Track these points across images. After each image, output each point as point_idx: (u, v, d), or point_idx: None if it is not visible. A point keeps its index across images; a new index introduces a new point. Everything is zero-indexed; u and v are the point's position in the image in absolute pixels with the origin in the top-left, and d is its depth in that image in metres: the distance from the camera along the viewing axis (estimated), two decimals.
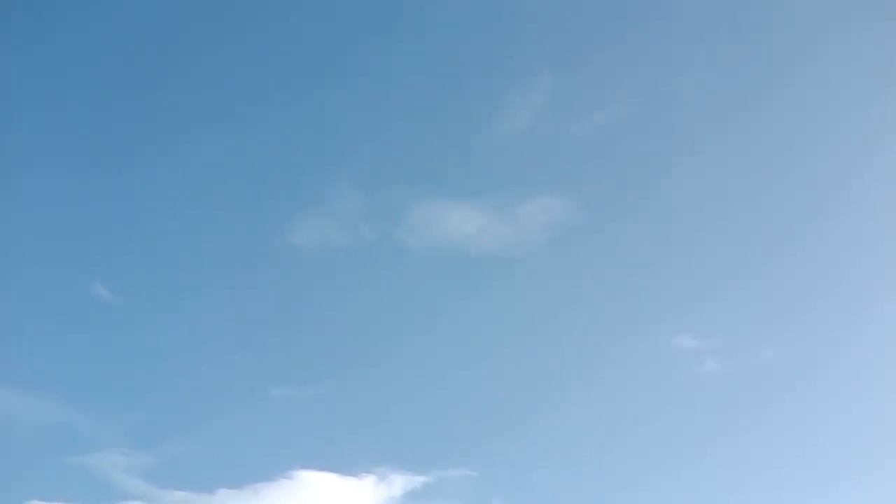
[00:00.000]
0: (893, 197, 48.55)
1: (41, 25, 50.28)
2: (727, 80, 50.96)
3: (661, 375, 47.08)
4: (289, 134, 50.77)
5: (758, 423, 45.71)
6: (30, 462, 43.39)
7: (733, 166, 50.32)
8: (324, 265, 48.93)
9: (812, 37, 50.79)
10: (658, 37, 51.02)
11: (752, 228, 49.38)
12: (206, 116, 50.75)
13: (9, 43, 49.99)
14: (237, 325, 47.25)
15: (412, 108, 51.40)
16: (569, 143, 50.50)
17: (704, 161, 50.28)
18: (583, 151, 50.64)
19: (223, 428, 45.12)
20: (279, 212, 49.19)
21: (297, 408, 45.60)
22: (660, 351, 47.45)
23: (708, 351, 46.99)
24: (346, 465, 44.36)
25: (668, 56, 51.03)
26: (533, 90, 50.54)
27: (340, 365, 46.89)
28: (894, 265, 47.42)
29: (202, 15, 51.58)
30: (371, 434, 45.51)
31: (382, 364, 47.22)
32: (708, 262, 49.22)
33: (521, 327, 48.38)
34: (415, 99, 51.36)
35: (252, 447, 44.81)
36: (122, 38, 51.26)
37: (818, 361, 46.89)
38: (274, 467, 43.88)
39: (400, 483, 44.66)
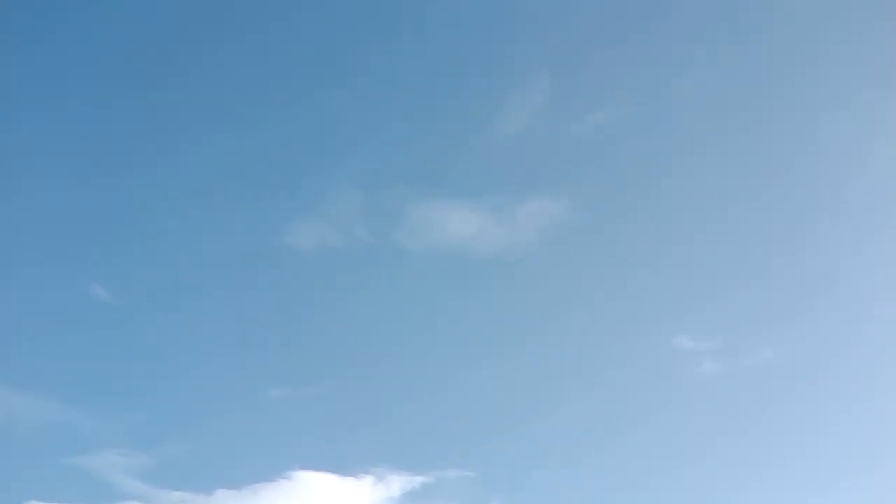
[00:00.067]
0: (891, 197, 48.62)
1: (41, 25, 50.43)
2: (726, 81, 51.12)
3: (659, 376, 47.26)
4: (287, 135, 50.98)
5: (756, 424, 45.85)
6: (28, 462, 43.63)
7: (732, 167, 50.50)
8: (322, 266, 49.09)
9: (811, 37, 50.91)
10: (657, 37, 51.14)
11: (750, 229, 49.55)
12: (204, 117, 50.99)
13: (9, 43, 50.20)
14: (236, 326, 47.47)
15: (411, 108, 51.60)
16: (568, 144, 50.71)
17: (703, 161, 50.43)
18: (582, 152, 50.83)
19: (221, 428, 45.30)
20: (277, 212, 49.41)
21: (295, 408, 45.84)
22: (658, 351, 47.64)
23: (706, 351, 47.17)
24: (344, 465, 44.57)
25: (667, 56, 51.20)
26: (532, 91, 50.73)
27: (339, 365, 47.09)
28: (892, 265, 47.49)
29: (201, 15, 51.79)
30: (369, 434, 45.70)
31: (381, 365, 47.40)
32: (707, 263, 49.42)
33: (520, 328, 48.60)
34: (413, 99, 51.58)
35: (250, 447, 45.03)
36: (122, 38, 51.51)
37: (816, 362, 47.06)
38: (272, 468, 44.09)
39: (398, 483, 44.79)
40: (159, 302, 47.52)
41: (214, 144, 50.19)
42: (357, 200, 49.38)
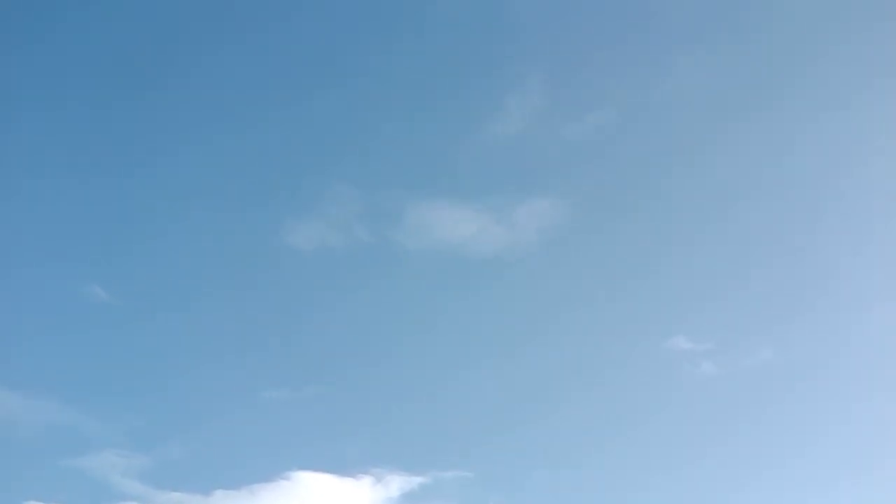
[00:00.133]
0: (888, 198, 48.63)
1: (41, 25, 50.46)
2: (721, 82, 51.15)
3: (657, 376, 47.38)
4: (286, 135, 51.04)
5: (754, 424, 45.95)
6: (27, 463, 43.73)
7: (728, 168, 50.60)
8: (321, 266, 49.17)
9: (811, 37, 50.95)
10: (651, 39, 51.20)
11: (747, 230, 49.59)
12: (203, 118, 51.07)
13: (9, 43, 50.24)
14: (234, 327, 47.59)
15: (408, 110, 51.63)
16: (565, 145, 50.74)
17: (699, 163, 50.55)
18: (579, 153, 50.84)
19: (220, 429, 45.44)
20: (276, 213, 49.49)
21: (294, 409, 45.91)
22: (656, 352, 47.72)
23: (703, 352, 47.22)
24: (342, 466, 44.65)
25: (661, 59, 51.22)
26: (529, 92, 50.76)
27: (337, 366, 47.19)
28: (889, 266, 47.51)
29: (200, 16, 51.85)
30: (368, 435, 45.82)
31: (379, 365, 47.50)
32: (704, 264, 49.49)
33: (518, 329, 48.72)
34: (410, 101, 51.59)
35: (249, 448, 45.12)
36: (122, 38, 51.54)
37: (814, 362, 47.14)
38: (271, 468, 44.18)
39: (397, 484, 44.84)
40: (158, 303, 47.78)
41: (212, 145, 50.52)
42: (356, 201, 49.60)
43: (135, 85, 50.37)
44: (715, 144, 50.14)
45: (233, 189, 49.72)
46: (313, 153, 50.64)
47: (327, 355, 47.24)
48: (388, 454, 45.17)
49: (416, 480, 44.80)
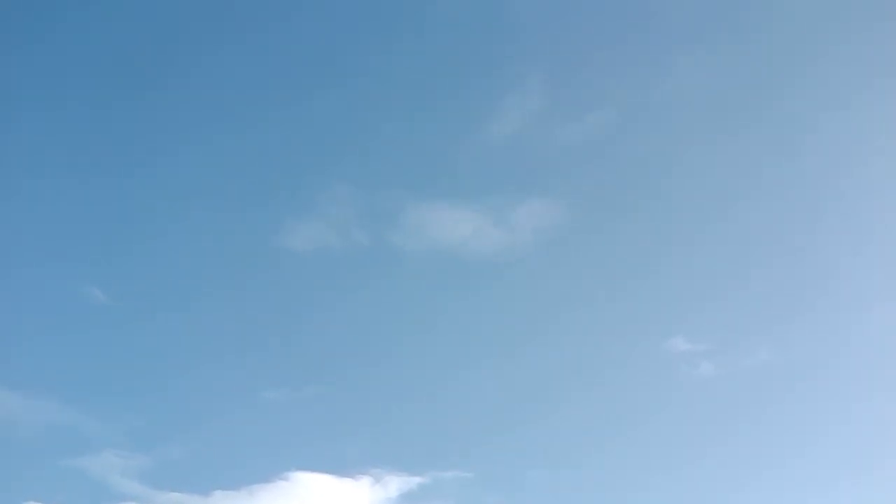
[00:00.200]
0: (888, 198, 48.58)
1: (41, 25, 50.50)
2: (721, 83, 51.08)
3: (655, 377, 47.36)
4: (283, 136, 51.03)
5: (752, 425, 45.92)
6: (26, 464, 43.76)
7: (727, 168, 50.58)
8: (319, 267, 49.18)
9: (811, 37, 50.88)
10: (649, 40, 51.14)
11: (745, 230, 49.57)
12: (201, 118, 51.09)
13: (9, 43, 50.28)
14: (233, 327, 47.61)
15: (405, 111, 51.61)
16: (563, 146, 50.70)
17: (697, 163, 50.53)
18: (577, 154, 50.80)
19: (219, 430, 45.47)
20: (273, 214, 49.49)
21: (292, 409, 45.93)
22: (654, 353, 47.71)
23: (702, 353, 47.23)
24: (341, 466, 44.68)
25: (660, 59, 51.16)
26: (527, 93, 50.75)
27: (336, 367, 47.19)
28: (888, 266, 47.44)
29: (198, 17, 51.88)
30: (367, 435, 45.85)
31: (378, 366, 47.50)
32: (703, 264, 49.45)
33: (516, 330, 48.70)
34: (408, 102, 51.57)
35: (247, 449, 45.13)
36: (122, 38, 51.57)
37: (812, 363, 47.08)
38: (269, 469, 44.20)
39: (396, 484, 44.86)
40: (156, 304, 47.80)
41: (210, 146, 50.52)
42: (353, 202, 49.64)
43: (134, 85, 50.56)
44: (714, 145, 50.30)
45: (231, 189, 49.93)
46: (312, 154, 50.84)
47: (326, 356, 47.42)
48: (387, 454, 45.35)
49: (414, 481, 44.94)
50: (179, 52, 51.30)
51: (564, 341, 48.23)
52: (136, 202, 49.22)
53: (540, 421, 45.88)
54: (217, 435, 45.17)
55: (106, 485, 43.53)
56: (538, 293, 48.93)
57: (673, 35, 50.90)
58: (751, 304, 48.02)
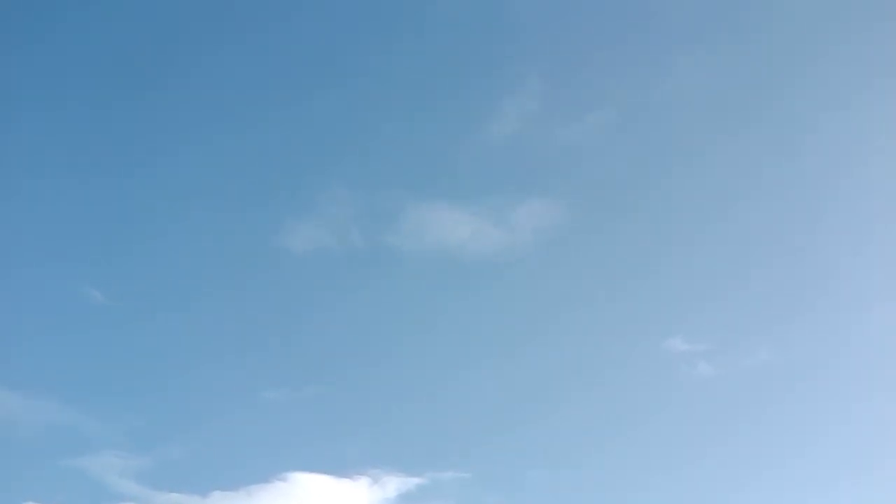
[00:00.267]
0: (888, 198, 48.55)
1: (41, 25, 50.53)
2: (720, 83, 51.10)
3: (653, 378, 47.40)
4: (282, 137, 51.05)
5: (751, 425, 45.95)
6: (25, 464, 43.82)
7: (724, 168, 50.63)
8: (317, 268, 49.19)
9: (811, 37, 50.91)
10: (647, 40, 51.18)
11: (745, 230, 49.60)
12: (200, 118, 51.17)
13: (9, 43, 50.33)
14: (231, 328, 47.68)
15: (405, 111, 51.63)
16: (561, 147, 50.74)
17: (695, 164, 50.53)
18: (575, 154, 50.80)
19: (217, 430, 45.50)
20: (271, 215, 49.52)
21: (291, 410, 45.94)
22: (652, 353, 47.74)
23: (700, 353, 47.24)
24: (340, 467, 44.71)
25: (660, 59, 51.19)
26: (525, 93, 50.79)
27: (335, 367, 47.22)
28: (886, 267, 47.45)
29: (198, 16, 51.92)
30: (365, 436, 45.87)
31: (376, 367, 47.49)
32: (700, 265, 49.50)
33: (515, 330, 48.72)
34: (407, 103, 51.60)
35: (246, 449, 45.14)
36: (122, 38, 51.61)
37: (810, 363, 47.10)
38: (268, 469, 44.21)
39: (394, 485, 44.87)
40: (154, 304, 47.84)
41: (209, 146, 50.56)
42: (352, 203, 49.67)
43: (134, 85, 50.62)
44: (713, 145, 50.30)
45: (230, 190, 49.99)
46: (311, 154, 50.90)
47: (325, 356, 47.43)
48: (386, 455, 45.37)
49: (413, 481, 44.96)
50: (179, 52, 51.53)
51: (563, 341, 48.40)
52: (135, 202, 49.47)
53: (538, 421, 46.01)
54: (215, 435, 45.34)
55: (105, 485, 43.73)
56: (537, 293, 49.13)
57: (672, 35, 51.06)
58: (750, 305, 48.21)
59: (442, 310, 48.93)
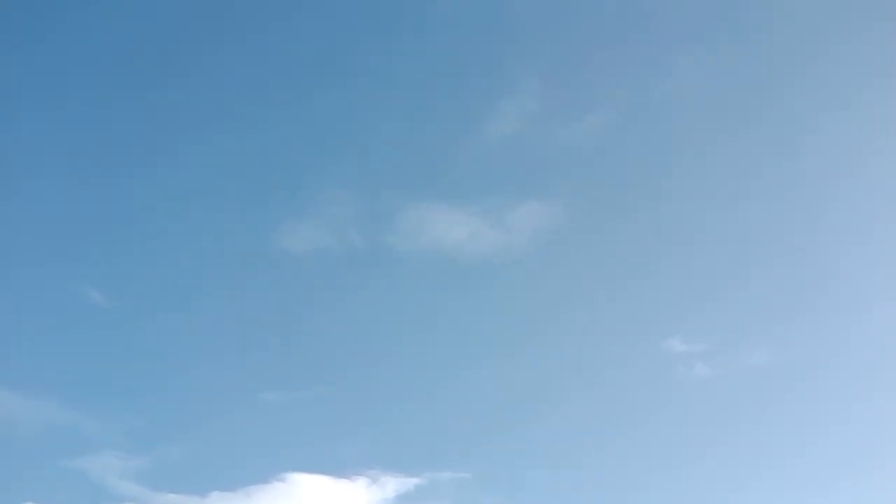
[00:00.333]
0: (888, 198, 48.52)
1: (41, 25, 50.56)
2: (718, 83, 50.99)
3: (651, 378, 47.38)
4: (280, 138, 51.01)
5: (749, 426, 45.93)
6: (24, 465, 43.92)
7: (723, 169, 50.58)
8: (316, 269, 49.18)
9: (811, 37, 50.80)
10: (646, 41, 51.09)
11: (742, 231, 49.58)
12: (198, 119, 51.16)
13: (9, 43, 50.37)
14: (230, 329, 47.70)
15: (403, 112, 51.59)
16: (559, 148, 50.68)
17: (694, 164, 50.59)
18: (573, 155, 50.79)
19: (216, 430, 45.58)
20: (269, 216, 49.53)
21: (289, 411, 46.02)
22: (650, 354, 47.74)
23: (698, 354, 47.22)
24: (338, 467, 44.77)
25: (658, 59, 51.07)
26: (523, 94, 50.72)
27: (333, 368, 47.26)
28: (886, 267, 47.40)
29: (198, 16, 51.95)
30: (364, 436, 45.96)
31: (375, 367, 47.53)
32: (698, 265, 49.46)
33: (513, 331, 48.74)
34: (405, 104, 51.54)
35: (244, 450, 45.16)
36: (122, 38, 51.64)
37: (809, 364, 47.05)
38: (266, 470, 44.27)
39: (392, 485, 44.93)
40: (153, 305, 47.88)
41: (208, 146, 50.57)
42: (351, 203, 49.68)
43: (133, 85, 50.63)
44: (712, 146, 50.25)
45: (229, 190, 50.01)
46: (309, 155, 50.90)
47: (323, 357, 47.47)
48: (384, 455, 45.44)
49: (411, 482, 45.01)
50: (179, 53, 51.52)
51: (561, 342, 48.41)
52: (134, 202, 49.50)
53: (537, 421, 46.04)
54: (214, 436, 45.42)
55: (104, 486, 43.81)
56: (535, 294, 49.12)
57: (671, 35, 50.99)
58: (748, 305, 48.21)
59: (440, 310, 49.12)
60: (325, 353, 47.44)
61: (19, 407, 44.53)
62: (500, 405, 46.60)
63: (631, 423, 45.99)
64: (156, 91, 50.48)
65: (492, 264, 48.98)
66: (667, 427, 46.05)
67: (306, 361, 47.25)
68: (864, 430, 44.87)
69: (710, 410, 46.51)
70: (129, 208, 49.20)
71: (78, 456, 44.35)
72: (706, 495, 43.79)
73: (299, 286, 49.10)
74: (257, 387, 46.11)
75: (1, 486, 42.56)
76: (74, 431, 44.83)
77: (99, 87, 50.71)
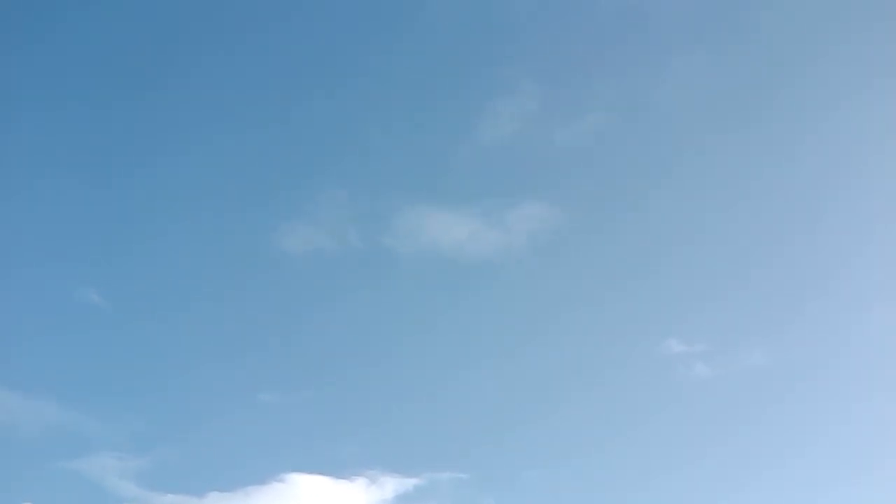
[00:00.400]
0: (885, 198, 48.64)
1: (41, 25, 50.64)
2: (717, 84, 51.15)
3: (650, 379, 47.49)
4: (278, 140, 51.14)
5: (746, 426, 46.00)
6: (23, 465, 44.03)
7: (721, 170, 50.76)
8: (312, 271, 49.33)
9: (808, 37, 50.89)
10: (644, 42, 51.34)
11: (740, 232, 49.68)
12: (197, 120, 51.43)
13: (9, 43, 50.45)
14: (228, 330, 47.83)
15: (401, 114, 51.75)
16: (555, 150, 50.80)
17: (693, 165, 50.70)
18: (570, 157, 50.93)
19: (214, 431, 45.68)
20: (268, 217, 49.64)
21: (288, 411, 46.12)
22: (648, 355, 47.81)
23: (697, 354, 47.31)
24: (337, 468, 44.85)
25: (655, 61, 51.29)
26: (521, 97, 50.84)
27: (332, 369, 47.37)
28: (885, 267, 47.50)
29: (195, 17, 52.04)
30: (362, 437, 46.00)
31: (373, 368, 47.59)
32: (696, 266, 49.60)
33: (510, 332, 48.82)
34: (403, 105, 51.71)
35: (243, 450, 45.26)
36: (122, 38, 51.75)
37: (807, 365, 47.11)
38: (265, 471, 44.34)
39: (391, 486, 44.99)
40: (151, 306, 48.03)
41: (206, 148, 50.78)
42: (346, 206, 49.82)
43: (132, 86, 50.82)
44: (710, 147, 50.41)
45: (226, 192, 50.18)
46: (307, 156, 51.06)
47: (322, 358, 47.58)
48: (383, 456, 45.46)
49: (410, 482, 45.06)
50: (178, 53, 51.72)
51: (560, 343, 48.46)
52: (133, 204, 49.68)
53: (535, 422, 46.12)
54: (213, 437, 45.50)
55: (101, 486, 43.92)
56: (533, 295, 49.20)
57: (669, 36, 51.17)
58: (747, 306, 48.31)
59: (439, 311, 49.22)
60: (323, 353, 47.68)
61: (18, 407, 44.77)
62: (499, 406, 46.81)
63: (630, 424, 46.20)
64: (155, 91, 50.85)
65: (490, 265, 49.29)
66: (666, 427, 46.22)
67: (305, 362, 47.53)
68: (862, 431, 45.07)
69: (709, 411, 46.72)
70: (128, 209, 49.49)
71: (76, 457, 44.60)
72: (705, 495, 43.95)
73: (298, 287, 49.36)
74: (256, 387, 46.36)
75: (0, 486, 42.81)
76: (73, 432, 45.11)
77: (99, 88, 51.03)
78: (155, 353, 46.79)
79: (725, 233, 49.52)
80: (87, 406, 45.33)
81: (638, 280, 48.83)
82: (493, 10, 51.67)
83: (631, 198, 50.16)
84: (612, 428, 46.09)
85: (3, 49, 49.99)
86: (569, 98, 50.94)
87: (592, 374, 47.61)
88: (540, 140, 50.57)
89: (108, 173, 49.68)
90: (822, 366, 46.71)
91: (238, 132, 50.48)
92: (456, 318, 48.81)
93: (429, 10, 52.11)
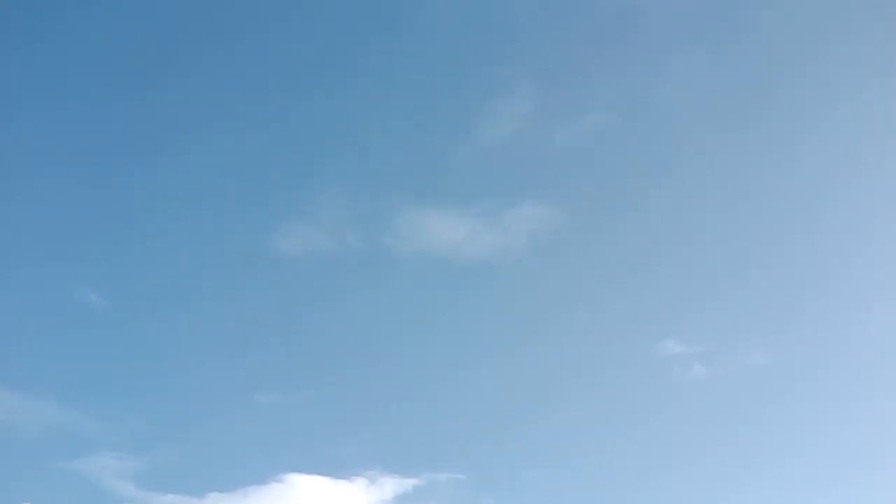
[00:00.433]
0: (885, 199, 48.60)
1: (41, 25, 50.65)
2: (717, 84, 51.08)
3: (648, 380, 47.52)
4: (277, 140, 51.11)
5: (745, 427, 46.01)
6: (22, 465, 44.08)
7: (720, 170, 50.74)
8: (312, 271, 49.35)
9: (808, 37, 50.82)
10: (643, 42, 51.27)
11: (739, 232, 49.62)
12: (196, 120, 51.37)
13: (9, 43, 50.46)
14: (227, 331, 47.86)
15: (400, 114, 51.70)
16: (553, 151, 50.77)
17: (692, 165, 50.66)
18: (567, 159, 50.91)
19: (214, 432, 45.72)
20: (266, 218, 49.64)
21: (287, 412, 46.15)
22: (647, 355, 47.80)
23: (695, 355, 47.30)
24: (336, 468, 44.89)
25: (654, 61, 51.23)
26: (519, 98, 50.81)
27: (331, 369, 47.39)
28: (885, 268, 47.48)
29: (193, 18, 52.04)
30: (362, 437, 46.03)
31: (372, 368, 47.62)
32: (695, 267, 49.56)
33: (509, 333, 48.82)
34: (402, 106, 51.68)
35: (242, 451, 45.32)
36: (122, 38, 51.75)
37: (806, 365, 47.13)
38: (264, 471, 44.39)
39: (391, 486, 45.03)
40: (151, 306, 48.05)
41: (205, 148, 50.75)
42: (346, 206, 49.83)
43: (132, 86, 50.80)
44: (709, 147, 50.36)
45: (225, 192, 50.17)
46: (306, 157, 51.04)
47: (321, 358, 47.61)
48: (382, 456, 45.50)
49: (409, 482, 45.12)
50: (178, 53, 51.69)
51: (559, 343, 48.47)
52: (132, 204, 49.67)
53: (534, 422, 46.17)
54: (212, 437, 45.55)
55: (101, 487, 43.96)
56: (532, 296, 49.21)
57: (669, 36, 51.12)
58: (745, 306, 48.30)
59: (438, 311, 49.25)
60: (323, 354, 47.72)
61: (18, 407, 44.83)
62: (498, 406, 46.85)
63: (628, 424, 46.24)
64: (155, 91, 50.84)
65: (489, 266, 49.29)
66: (664, 428, 46.26)
67: (304, 362, 47.56)
68: (862, 431, 45.09)
69: (708, 411, 46.77)
70: (127, 209, 49.50)
71: (76, 457, 44.65)
72: (705, 495, 43.99)
73: (297, 287, 49.38)
74: (255, 388, 46.42)
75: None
76: (73, 432, 45.15)
77: (99, 88, 51.03)
78: (154, 354, 46.99)
79: (725, 233, 49.65)
80: (86, 406, 45.52)
81: (637, 280, 48.99)
82: (492, 10, 51.82)
83: (630, 198, 50.31)
84: (611, 428, 46.24)
85: (3, 49, 50.12)
86: (568, 98, 51.08)
87: (591, 374, 47.79)
88: (539, 140, 50.72)
89: (108, 173, 49.83)
90: (821, 366, 46.85)
91: (238, 132, 50.65)
92: (455, 318, 48.99)
93: (429, 10, 52.26)
